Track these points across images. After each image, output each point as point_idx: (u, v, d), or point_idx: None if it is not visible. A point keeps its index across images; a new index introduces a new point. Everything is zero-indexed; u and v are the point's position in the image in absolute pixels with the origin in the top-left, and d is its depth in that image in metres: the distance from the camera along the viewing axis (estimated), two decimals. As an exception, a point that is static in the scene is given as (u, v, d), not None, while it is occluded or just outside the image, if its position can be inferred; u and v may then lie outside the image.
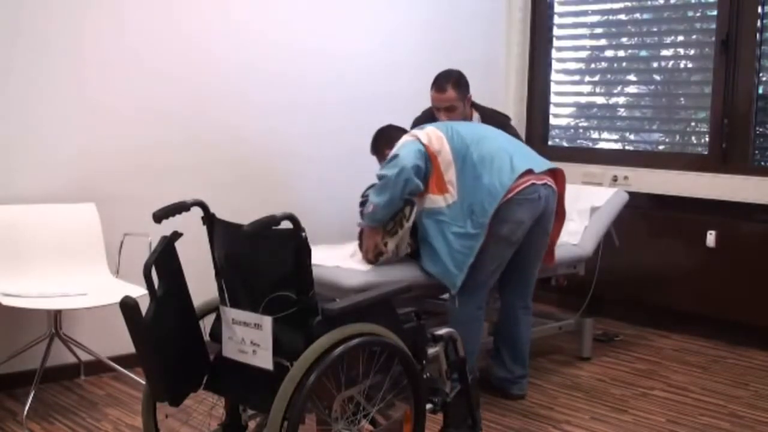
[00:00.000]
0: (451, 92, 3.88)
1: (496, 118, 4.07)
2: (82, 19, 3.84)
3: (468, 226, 3.52)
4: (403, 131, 3.88)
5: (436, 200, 3.59)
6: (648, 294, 4.96)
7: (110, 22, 3.92)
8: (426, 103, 4.15)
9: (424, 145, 3.57)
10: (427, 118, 4.08)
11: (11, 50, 3.67)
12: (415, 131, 3.70)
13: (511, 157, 3.56)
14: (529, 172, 3.56)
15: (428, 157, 3.57)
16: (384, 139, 3.97)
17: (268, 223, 2.38)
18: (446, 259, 3.56)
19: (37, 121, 3.76)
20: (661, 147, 5.12)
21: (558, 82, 5.54)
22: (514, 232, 3.56)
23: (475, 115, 4.06)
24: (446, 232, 3.56)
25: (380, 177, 3.57)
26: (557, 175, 3.73)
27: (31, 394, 3.44)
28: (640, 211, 4.89)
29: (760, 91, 4.64)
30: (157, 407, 2.66)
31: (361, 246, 3.75)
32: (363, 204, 3.85)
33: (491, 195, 3.48)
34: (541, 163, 3.67)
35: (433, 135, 3.62)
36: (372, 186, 3.76)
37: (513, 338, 3.79)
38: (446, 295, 4.12)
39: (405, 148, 3.56)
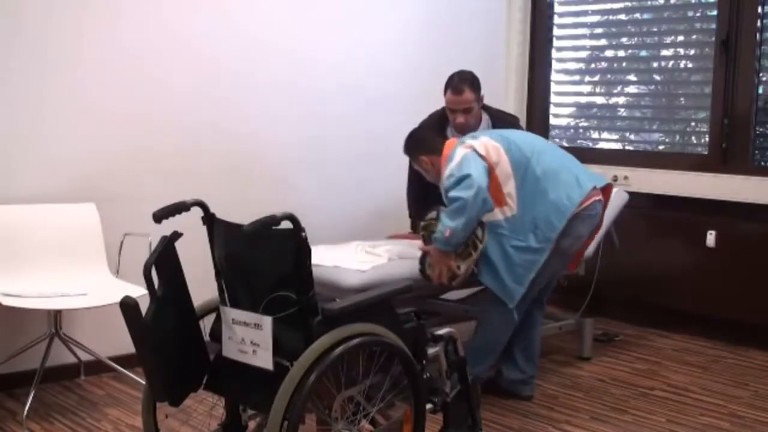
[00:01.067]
0: (468, 93, 3.83)
1: (506, 120, 4.04)
2: (82, 20, 3.84)
3: (530, 240, 3.48)
4: (437, 134, 3.78)
5: (493, 213, 3.49)
6: (648, 294, 4.96)
7: (110, 24, 3.92)
8: (427, 104, 4.14)
9: (482, 156, 3.46)
10: (436, 122, 4.02)
11: (11, 50, 3.67)
12: (470, 142, 3.53)
13: (575, 173, 3.56)
14: (593, 188, 3.58)
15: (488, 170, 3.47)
16: (421, 143, 3.75)
17: (268, 223, 2.38)
18: (504, 272, 3.50)
19: (37, 121, 3.76)
20: (661, 147, 5.12)
21: (558, 82, 5.53)
22: (573, 246, 3.58)
23: (485, 117, 4.00)
24: (505, 246, 3.50)
25: (454, 199, 3.36)
26: (607, 189, 3.74)
27: (31, 394, 3.44)
28: (640, 211, 4.88)
29: (760, 91, 4.63)
30: (157, 407, 2.66)
31: (422, 270, 3.58)
32: (425, 228, 3.64)
33: (559, 210, 3.47)
34: (600, 180, 3.68)
35: (489, 146, 3.51)
36: (436, 209, 3.59)
37: (528, 338, 3.78)
38: (446, 295, 4.12)
39: (473, 166, 3.39)
